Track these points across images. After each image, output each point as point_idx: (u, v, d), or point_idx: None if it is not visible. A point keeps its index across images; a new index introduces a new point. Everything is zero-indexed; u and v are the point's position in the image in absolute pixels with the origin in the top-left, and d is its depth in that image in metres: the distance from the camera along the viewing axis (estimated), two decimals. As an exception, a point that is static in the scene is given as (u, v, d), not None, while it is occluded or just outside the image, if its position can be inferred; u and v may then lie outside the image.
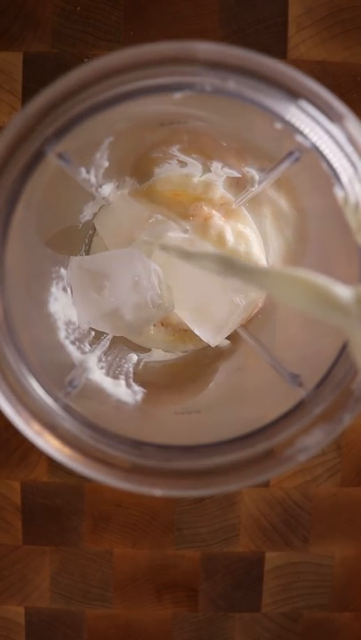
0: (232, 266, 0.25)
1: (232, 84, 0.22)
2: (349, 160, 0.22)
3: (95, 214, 0.33)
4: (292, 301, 0.21)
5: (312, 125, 0.22)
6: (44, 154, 0.23)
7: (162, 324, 0.34)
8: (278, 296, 0.22)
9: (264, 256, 0.33)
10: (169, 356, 0.34)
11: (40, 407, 0.24)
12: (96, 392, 0.28)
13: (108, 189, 0.30)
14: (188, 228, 0.32)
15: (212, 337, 0.32)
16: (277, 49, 0.32)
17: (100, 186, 0.30)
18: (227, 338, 0.33)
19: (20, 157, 0.22)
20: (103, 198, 0.30)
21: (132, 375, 0.30)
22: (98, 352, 0.29)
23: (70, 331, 0.29)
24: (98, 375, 0.28)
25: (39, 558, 0.36)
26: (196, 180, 0.33)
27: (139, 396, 0.29)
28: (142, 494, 0.23)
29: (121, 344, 0.34)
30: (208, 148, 0.30)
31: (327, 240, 0.28)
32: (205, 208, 0.32)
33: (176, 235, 0.32)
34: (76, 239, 0.33)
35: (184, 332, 0.34)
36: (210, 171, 0.32)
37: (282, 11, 0.32)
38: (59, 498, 0.35)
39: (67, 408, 0.24)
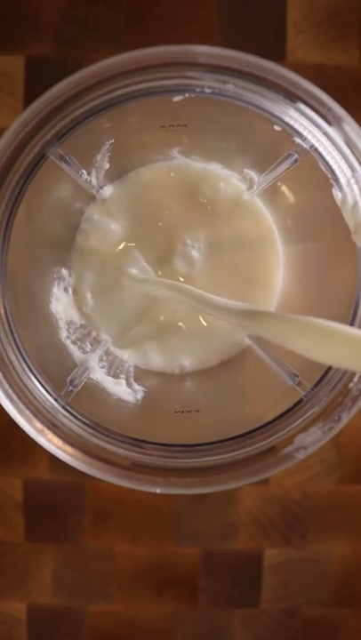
0: (202, 301, 0.25)
1: (231, 86, 0.22)
2: (347, 162, 0.23)
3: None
4: (317, 354, 0.19)
5: (310, 128, 0.23)
6: (46, 156, 0.23)
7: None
8: (291, 346, 0.20)
9: (276, 256, 0.31)
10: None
11: (42, 406, 0.24)
12: (97, 391, 0.28)
13: (108, 191, 0.30)
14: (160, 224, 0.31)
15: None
16: (276, 52, 0.32)
17: (102, 187, 0.30)
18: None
19: (22, 159, 0.23)
20: (104, 200, 0.31)
21: (132, 374, 0.30)
22: (99, 351, 0.30)
23: (71, 331, 0.30)
24: (99, 374, 0.29)
25: (41, 555, 0.36)
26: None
27: (139, 395, 0.29)
28: (143, 492, 0.23)
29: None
30: (207, 149, 0.30)
31: (327, 240, 0.28)
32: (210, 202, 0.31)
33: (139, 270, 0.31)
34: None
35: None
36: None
37: (280, 15, 0.32)
38: (60, 495, 0.35)
39: (68, 407, 0.25)
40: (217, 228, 0.31)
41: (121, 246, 0.31)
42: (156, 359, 0.31)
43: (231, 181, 0.31)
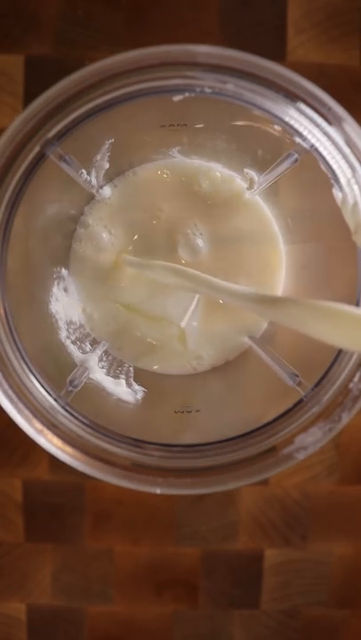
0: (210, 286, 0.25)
1: (231, 86, 0.22)
2: (347, 162, 0.23)
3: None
4: (333, 338, 0.19)
5: (311, 127, 0.23)
6: (46, 155, 0.23)
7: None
8: (308, 330, 0.20)
9: (279, 255, 0.31)
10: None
11: (41, 406, 0.24)
12: (97, 391, 0.28)
13: (108, 190, 0.30)
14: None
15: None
16: (276, 52, 0.32)
17: (101, 187, 0.30)
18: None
19: (22, 159, 0.23)
20: (103, 199, 0.31)
21: (132, 374, 0.30)
22: (99, 352, 0.30)
23: (71, 331, 0.29)
24: (99, 375, 0.29)
25: (41, 556, 0.36)
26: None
27: (139, 395, 0.29)
28: (143, 492, 0.23)
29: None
30: (207, 149, 0.30)
31: (327, 240, 0.28)
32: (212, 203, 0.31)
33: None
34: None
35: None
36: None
37: (280, 14, 0.32)
38: (60, 496, 0.35)
39: (68, 407, 0.25)
40: (218, 225, 0.31)
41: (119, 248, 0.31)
42: (157, 363, 0.31)
43: (232, 180, 0.31)
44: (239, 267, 0.31)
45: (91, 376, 0.28)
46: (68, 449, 0.24)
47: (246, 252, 0.31)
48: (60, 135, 0.23)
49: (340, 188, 0.23)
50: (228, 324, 0.31)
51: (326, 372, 0.24)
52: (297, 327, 0.20)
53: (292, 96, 0.22)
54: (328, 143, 0.23)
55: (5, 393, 0.23)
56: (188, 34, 0.32)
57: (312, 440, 0.24)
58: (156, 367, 0.31)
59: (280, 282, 0.31)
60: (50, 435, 0.24)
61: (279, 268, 0.31)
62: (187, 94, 0.23)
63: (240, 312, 0.31)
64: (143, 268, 0.29)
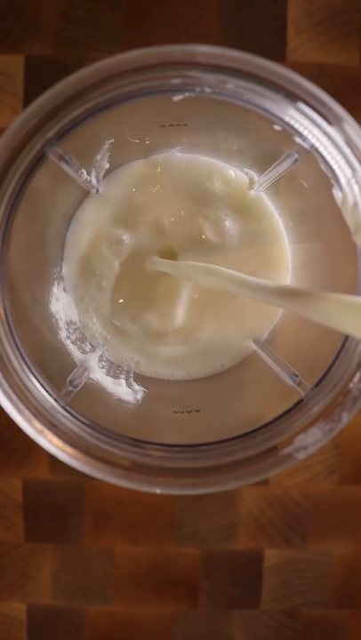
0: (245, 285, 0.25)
1: (231, 86, 0.22)
2: (347, 162, 0.23)
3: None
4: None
5: (311, 127, 0.23)
6: (46, 155, 0.23)
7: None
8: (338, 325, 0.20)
9: (286, 253, 0.31)
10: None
11: (41, 406, 0.24)
12: (97, 391, 0.28)
13: (108, 189, 0.30)
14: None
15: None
16: (277, 52, 0.32)
17: (101, 186, 0.30)
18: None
19: (22, 159, 0.23)
20: (103, 199, 0.31)
21: (132, 374, 0.30)
22: (99, 352, 0.30)
23: (71, 331, 0.29)
24: (99, 375, 0.29)
25: (41, 556, 0.36)
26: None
27: (139, 395, 0.29)
28: (143, 492, 0.23)
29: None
30: (207, 149, 0.30)
31: (327, 240, 0.28)
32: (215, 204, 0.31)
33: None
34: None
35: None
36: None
37: (281, 14, 0.32)
38: (60, 496, 0.35)
39: (68, 407, 0.25)
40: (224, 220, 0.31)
41: (123, 245, 0.31)
42: (162, 368, 0.31)
43: (234, 178, 0.30)
44: (245, 264, 0.31)
45: (91, 376, 0.28)
46: (68, 449, 0.24)
47: (252, 249, 0.31)
48: (60, 135, 0.23)
49: (341, 187, 0.23)
50: (236, 329, 0.31)
51: (326, 372, 0.24)
52: (326, 322, 0.20)
53: (292, 96, 0.22)
54: (328, 143, 0.23)
55: (5, 393, 0.23)
56: (187, 34, 0.32)
57: (312, 440, 0.24)
58: (151, 373, 0.31)
59: (287, 280, 0.31)
60: (50, 435, 0.24)
61: (285, 266, 0.31)
62: (187, 94, 0.23)
63: (248, 317, 0.31)
64: (172, 268, 0.29)
